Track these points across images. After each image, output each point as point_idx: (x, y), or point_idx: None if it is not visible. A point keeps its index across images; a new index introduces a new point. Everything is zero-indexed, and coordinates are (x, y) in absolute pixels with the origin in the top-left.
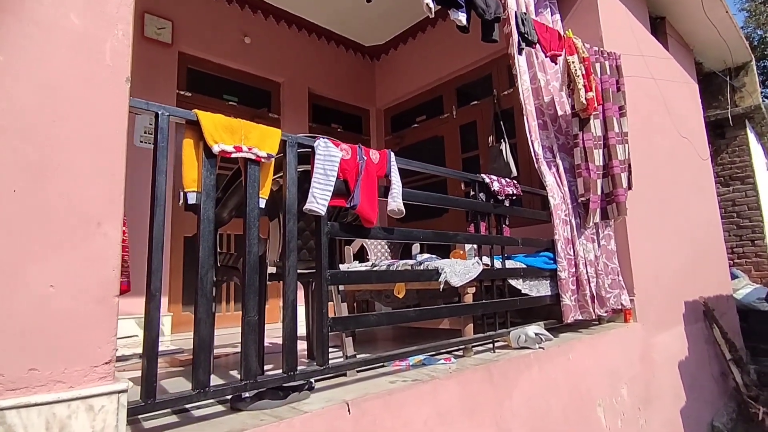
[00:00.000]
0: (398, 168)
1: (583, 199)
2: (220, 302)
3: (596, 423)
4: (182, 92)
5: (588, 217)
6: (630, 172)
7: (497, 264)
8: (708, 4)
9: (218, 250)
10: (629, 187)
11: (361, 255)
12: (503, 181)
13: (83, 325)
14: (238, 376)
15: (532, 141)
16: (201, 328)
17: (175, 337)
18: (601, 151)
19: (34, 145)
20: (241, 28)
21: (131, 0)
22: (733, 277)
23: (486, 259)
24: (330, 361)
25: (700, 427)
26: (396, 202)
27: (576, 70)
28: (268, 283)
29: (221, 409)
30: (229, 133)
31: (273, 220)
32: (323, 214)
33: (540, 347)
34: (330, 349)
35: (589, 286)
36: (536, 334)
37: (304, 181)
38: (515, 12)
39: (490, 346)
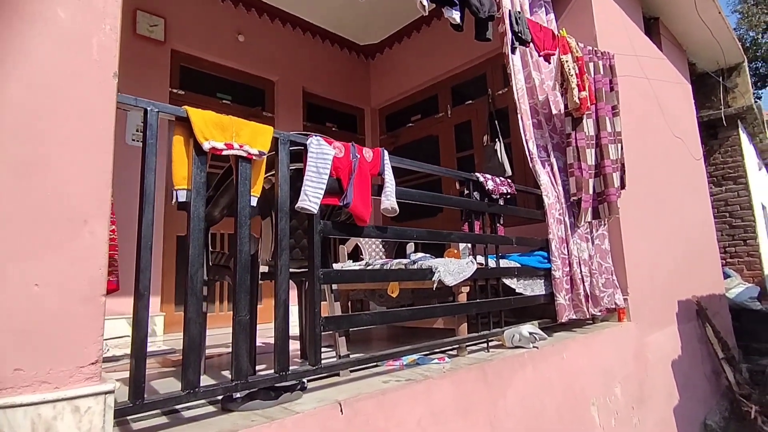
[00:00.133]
0: (392, 166)
1: (575, 198)
2: (213, 301)
3: (590, 422)
4: (175, 90)
5: (579, 216)
6: (624, 172)
7: (491, 263)
8: (701, 5)
9: (211, 249)
10: (623, 187)
11: (356, 254)
12: (497, 180)
13: (69, 324)
14: (230, 377)
15: (526, 140)
16: (191, 327)
17: (168, 337)
18: (593, 150)
19: (18, 141)
20: (235, 26)
21: None
22: (726, 276)
23: (480, 258)
24: (323, 361)
25: (693, 425)
26: (389, 200)
27: (570, 69)
28: (260, 282)
29: (212, 410)
30: (220, 130)
31: (265, 218)
32: (315, 212)
33: (534, 346)
34: (323, 349)
35: (583, 285)
36: (530, 333)
37: (297, 179)
38: (509, 11)
39: (484, 345)
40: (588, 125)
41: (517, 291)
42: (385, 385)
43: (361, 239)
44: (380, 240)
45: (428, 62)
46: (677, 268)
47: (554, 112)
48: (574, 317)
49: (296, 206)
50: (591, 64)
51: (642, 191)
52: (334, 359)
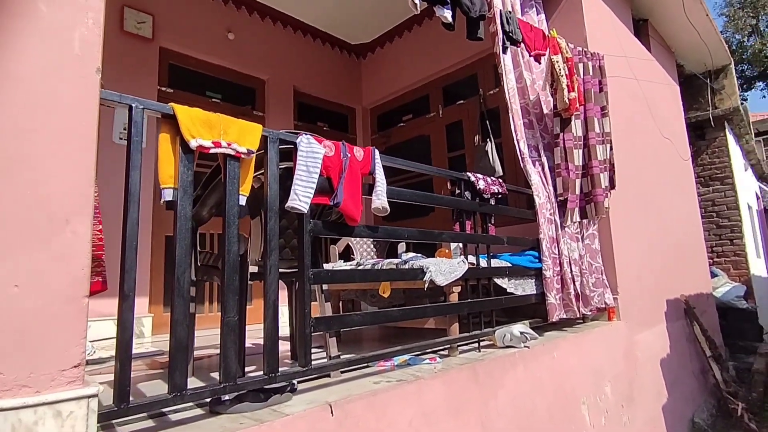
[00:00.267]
0: (383, 166)
1: (561, 198)
2: (202, 302)
3: (580, 421)
4: (164, 88)
5: (566, 216)
6: (613, 172)
7: (483, 263)
8: (689, 8)
9: (199, 249)
10: (612, 187)
11: (347, 254)
12: (488, 179)
13: (51, 327)
14: (219, 378)
15: (517, 140)
16: (178, 329)
17: (156, 338)
18: (581, 151)
19: None
20: (225, 24)
21: None
22: (713, 275)
23: (471, 258)
24: (313, 362)
25: (682, 423)
26: (380, 199)
27: (560, 70)
28: (250, 282)
29: (200, 413)
30: (207, 127)
31: (255, 218)
32: (306, 211)
33: (525, 346)
34: (314, 350)
35: (574, 285)
36: (521, 333)
37: (287, 178)
38: (500, 10)
39: (476, 345)
40: (576, 126)
41: (508, 291)
42: (376, 386)
43: (353, 239)
44: (371, 240)
45: (420, 62)
46: (666, 268)
47: (545, 111)
48: (564, 317)
49: (286, 206)
50: (581, 65)
51: (631, 191)
52: (325, 360)
